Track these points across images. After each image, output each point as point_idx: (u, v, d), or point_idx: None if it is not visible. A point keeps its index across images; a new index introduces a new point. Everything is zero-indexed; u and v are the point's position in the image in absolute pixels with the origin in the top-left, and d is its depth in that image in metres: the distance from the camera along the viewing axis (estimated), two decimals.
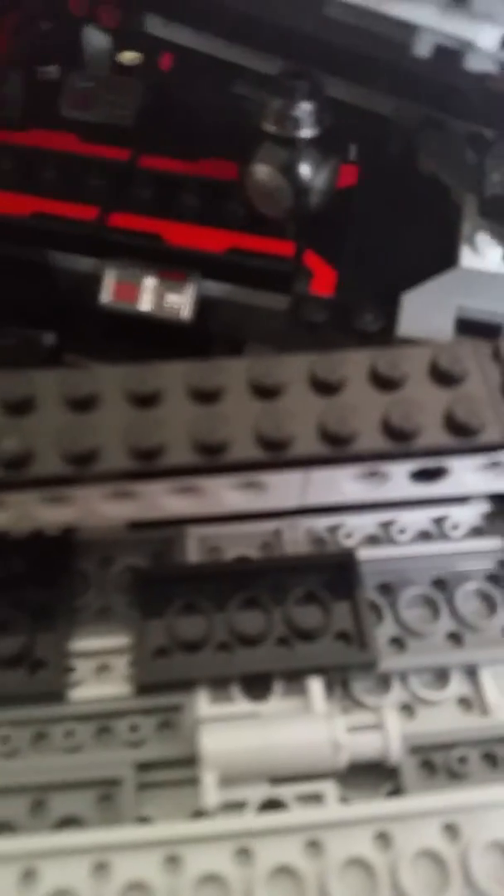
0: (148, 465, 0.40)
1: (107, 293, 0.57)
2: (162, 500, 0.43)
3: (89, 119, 0.67)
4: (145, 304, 0.57)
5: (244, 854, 0.38)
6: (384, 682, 0.45)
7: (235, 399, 0.42)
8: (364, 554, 0.48)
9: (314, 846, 0.38)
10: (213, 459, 0.40)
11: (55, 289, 0.60)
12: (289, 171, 0.51)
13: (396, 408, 0.41)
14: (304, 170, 0.51)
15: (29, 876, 0.37)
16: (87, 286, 0.57)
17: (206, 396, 0.42)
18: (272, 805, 0.41)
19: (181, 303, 0.56)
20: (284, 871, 0.38)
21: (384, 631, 0.47)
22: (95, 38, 0.72)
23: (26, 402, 0.41)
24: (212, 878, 0.37)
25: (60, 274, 0.59)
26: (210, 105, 0.69)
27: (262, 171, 0.52)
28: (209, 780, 0.40)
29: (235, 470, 0.41)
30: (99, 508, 0.42)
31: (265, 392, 0.42)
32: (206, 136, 0.64)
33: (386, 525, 0.51)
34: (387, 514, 0.51)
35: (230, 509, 0.43)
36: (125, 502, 0.43)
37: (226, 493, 0.43)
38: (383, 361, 0.42)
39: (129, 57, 0.71)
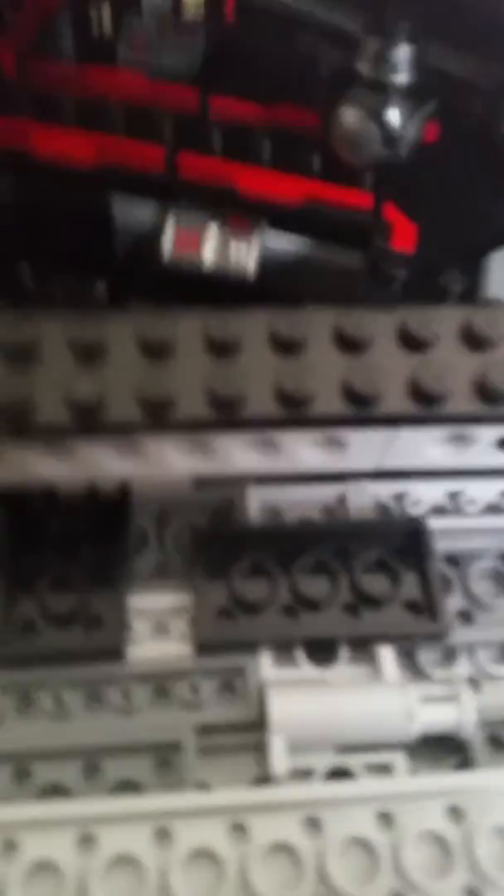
0: (227, 415, 0.38)
1: (168, 242, 0.55)
2: (237, 454, 0.41)
3: (150, 63, 0.64)
4: (208, 256, 0.54)
5: (313, 824, 0.36)
6: (450, 655, 0.44)
7: (320, 351, 0.39)
8: (433, 523, 0.46)
9: (385, 818, 0.37)
10: (297, 412, 0.38)
11: (115, 239, 0.58)
12: (379, 116, 0.49)
13: (492, 369, 0.39)
14: (395, 117, 0.49)
15: (88, 841, 0.36)
16: (148, 238, 0.55)
17: (289, 347, 0.40)
18: (339, 774, 0.39)
19: (246, 255, 0.54)
20: (357, 843, 0.36)
21: (452, 603, 0.45)
22: None
23: (100, 347, 0.39)
24: (282, 848, 0.36)
25: (122, 223, 0.57)
26: (276, 54, 0.66)
27: (350, 115, 0.49)
28: (278, 745, 0.38)
29: (318, 425, 0.39)
30: (170, 461, 0.41)
31: (352, 345, 0.40)
32: (273, 84, 0.61)
33: (454, 495, 0.49)
34: (455, 483, 0.49)
35: (308, 468, 0.41)
36: (198, 456, 0.41)
37: (305, 451, 0.41)
38: (476, 320, 0.40)
39: (192, 2, 0.68)
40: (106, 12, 0.70)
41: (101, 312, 0.40)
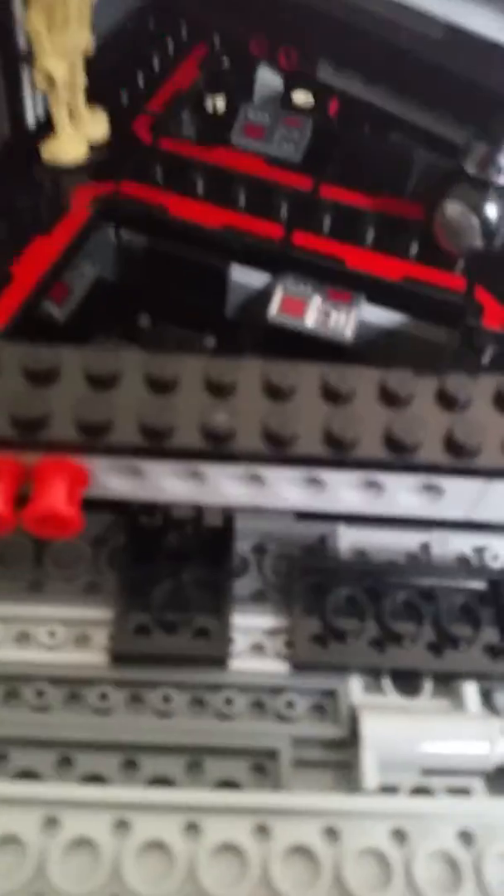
0: (339, 454, 0.43)
1: (275, 306, 0.61)
2: (343, 492, 0.45)
3: (259, 150, 0.72)
4: (310, 320, 0.60)
5: (400, 835, 0.39)
6: None
7: (425, 406, 0.44)
8: None
9: (466, 836, 0.39)
10: (402, 458, 0.43)
11: (228, 299, 0.64)
12: (480, 211, 0.55)
13: None
14: (493, 212, 0.55)
15: (193, 828, 0.39)
16: (257, 299, 0.61)
17: (397, 400, 0.44)
18: (422, 793, 0.42)
19: (345, 323, 0.60)
20: (440, 856, 0.39)
21: None
22: (270, 78, 0.78)
23: (231, 386, 0.44)
24: (371, 853, 0.39)
25: (235, 284, 0.63)
26: (374, 148, 0.73)
27: (454, 209, 0.56)
28: (369, 760, 0.41)
29: (421, 470, 0.43)
30: (283, 491, 0.45)
31: (453, 403, 0.44)
32: (371, 174, 0.68)
33: None
34: None
35: (404, 511, 0.46)
36: (308, 490, 0.45)
37: (404, 495, 0.45)
38: None
39: (301, 98, 0.76)
40: (221, 101, 0.78)
41: (236, 358, 0.45)
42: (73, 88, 0.61)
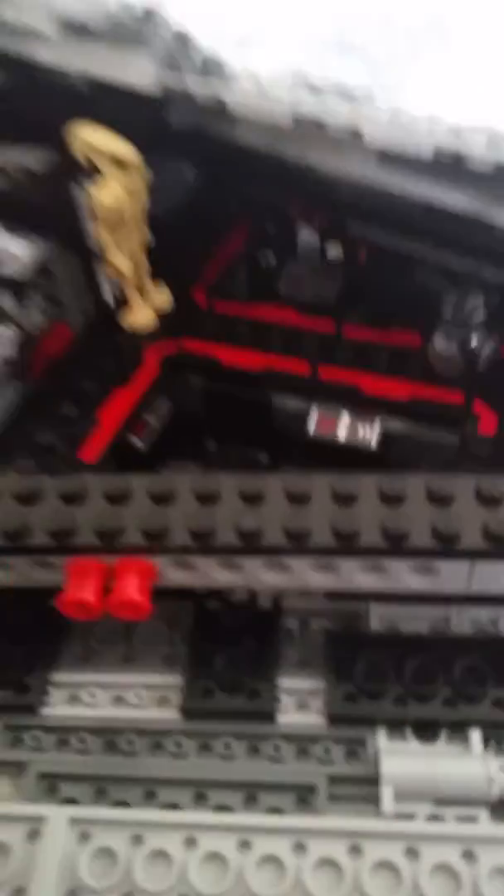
0: (346, 546, 0.54)
1: (312, 425, 0.74)
2: (356, 575, 0.56)
3: (302, 298, 0.87)
4: (342, 434, 0.73)
5: (413, 852, 0.48)
6: None
7: (416, 503, 0.55)
8: None
9: (469, 854, 0.48)
10: (397, 546, 0.54)
11: (272, 421, 0.78)
12: (462, 345, 0.68)
13: None
14: (475, 344, 0.68)
15: (245, 845, 0.49)
16: (297, 421, 0.75)
17: (392, 499, 0.55)
18: (434, 819, 0.51)
19: (370, 435, 0.72)
20: (445, 870, 0.47)
21: None
22: (308, 236, 0.94)
23: (259, 494, 0.56)
24: (387, 866, 0.48)
25: (277, 411, 0.78)
26: (397, 289, 0.87)
27: (440, 345, 0.69)
28: (388, 792, 0.51)
29: (412, 555, 0.54)
30: (306, 577, 0.57)
31: (439, 499, 0.55)
32: (394, 312, 0.82)
33: None
34: None
35: (409, 589, 0.56)
36: (326, 574, 0.57)
37: (406, 575, 0.56)
38: None
39: (333, 251, 0.91)
40: (271, 258, 0.94)
41: (262, 472, 0.58)
42: (138, 272, 0.78)
